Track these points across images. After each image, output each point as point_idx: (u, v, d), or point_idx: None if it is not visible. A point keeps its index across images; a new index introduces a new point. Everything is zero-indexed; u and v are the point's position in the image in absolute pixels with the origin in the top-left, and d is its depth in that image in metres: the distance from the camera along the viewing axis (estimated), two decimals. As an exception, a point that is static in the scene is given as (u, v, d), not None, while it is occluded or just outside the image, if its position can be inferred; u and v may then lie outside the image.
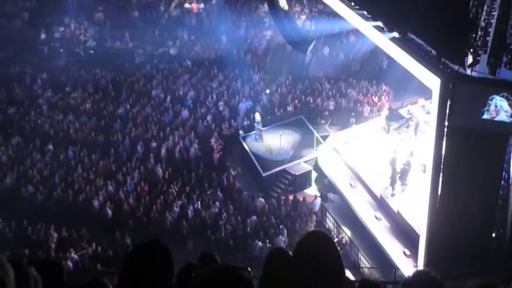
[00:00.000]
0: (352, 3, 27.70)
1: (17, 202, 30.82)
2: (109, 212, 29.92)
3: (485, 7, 22.95)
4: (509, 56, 21.42)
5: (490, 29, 22.21)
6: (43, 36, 45.43)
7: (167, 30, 46.22)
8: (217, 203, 30.60)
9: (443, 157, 23.03)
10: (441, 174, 23.31)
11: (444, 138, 22.74)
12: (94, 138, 35.24)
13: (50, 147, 34.01)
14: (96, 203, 30.18)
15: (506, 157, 23.25)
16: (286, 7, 28.84)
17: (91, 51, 44.33)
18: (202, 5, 47.91)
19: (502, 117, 21.60)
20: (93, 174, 32.24)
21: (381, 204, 29.73)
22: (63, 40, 45.22)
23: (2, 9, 46.74)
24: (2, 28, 45.47)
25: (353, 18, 28.62)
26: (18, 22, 46.08)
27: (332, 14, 40.77)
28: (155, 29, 46.12)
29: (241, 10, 47.25)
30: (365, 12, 26.72)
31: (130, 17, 47.00)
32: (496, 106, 21.61)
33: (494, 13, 23.42)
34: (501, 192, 23.93)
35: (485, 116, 21.86)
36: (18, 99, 38.70)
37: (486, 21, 22.49)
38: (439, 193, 23.56)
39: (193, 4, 48.09)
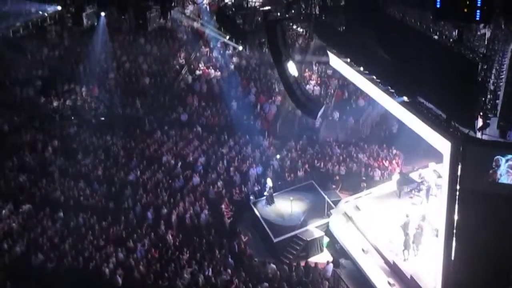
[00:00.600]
0: (361, 68, 27.90)
1: (27, 270, 30.60)
2: (119, 279, 29.65)
3: (493, 71, 23.12)
4: (519, 119, 21.49)
5: (499, 93, 22.33)
6: (55, 103, 45.87)
7: (178, 96, 46.58)
8: (228, 270, 30.28)
9: (455, 221, 22.88)
10: (454, 239, 23.10)
11: (456, 201, 22.61)
12: (105, 205, 35.20)
13: (61, 214, 33.96)
14: (106, 270, 29.95)
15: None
16: (295, 73, 29.00)
17: (102, 118, 44.61)
18: (213, 71, 48.37)
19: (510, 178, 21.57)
20: (103, 241, 32.07)
21: (394, 270, 29.38)
22: (75, 107, 45.60)
23: (16, 76, 47.32)
24: (15, 96, 46.02)
25: (362, 83, 28.80)
26: (30, 90, 46.61)
27: (342, 79, 41.26)
28: (166, 96, 46.48)
29: (251, 76, 47.66)
30: (374, 77, 26.88)
31: (140, 83, 47.42)
32: (507, 168, 21.56)
33: (502, 76, 23.58)
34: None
35: (496, 178, 21.78)
36: (29, 166, 38.85)
37: (495, 84, 22.63)
38: (452, 257, 23.31)
39: (204, 70, 48.56)
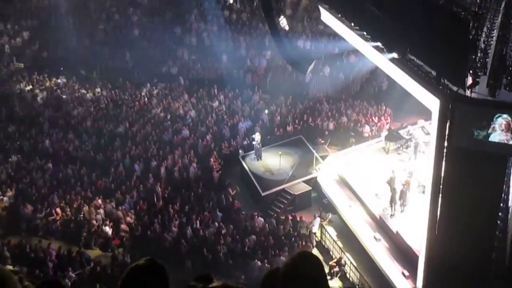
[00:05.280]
0: (352, 24, 27.78)
1: (16, 220, 30.68)
2: (108, 230, 29.83)
3: (485, 29, 23.04)
4: (509, 77, 21.43)
5: (489, 51, 22.26)
6: (44, 54, 45.58)
7: (168, 49, 46.29)
8: (216, 223, 30.49)
9: (442, 178, 22.99)
10: (440, 195, 23.25)
11: (444, 159, 22.71)
12: (94, 157, 35.22)
13: (50, 165, 33.97)
14: (94, 221, 30.10)
15: (506, 179, 23.17)
16: (286, 27, 28.89)
17: (92, 70, 44.39)
18: (203, 25, 48.00)
19: (499, 137, 21.60)
20: (91, 193, 32.15)
21: (380, 225, 29.66)
22: (64, 58, 45.33)
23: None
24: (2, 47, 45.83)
25: (353, 39, 28.69)
26: (18, 39, 46.44)
27: (333, 35, 41.06)
28: (156, 48, 46.18)
29: (241, 30, 47.36)
30: (365, 33, 26.77)
31: (130, 36, 47.07)
32: (496, 127, 21.61)
33: (493, 35, 23.51)
34: (500, 213, 23.83)
35: (485, 136, 21.85)
36: (18, 117, 38.77)
37: (486, 43, 22.56)
38: (438, 214, 23.51)
39: (194, 23, 48.21)
